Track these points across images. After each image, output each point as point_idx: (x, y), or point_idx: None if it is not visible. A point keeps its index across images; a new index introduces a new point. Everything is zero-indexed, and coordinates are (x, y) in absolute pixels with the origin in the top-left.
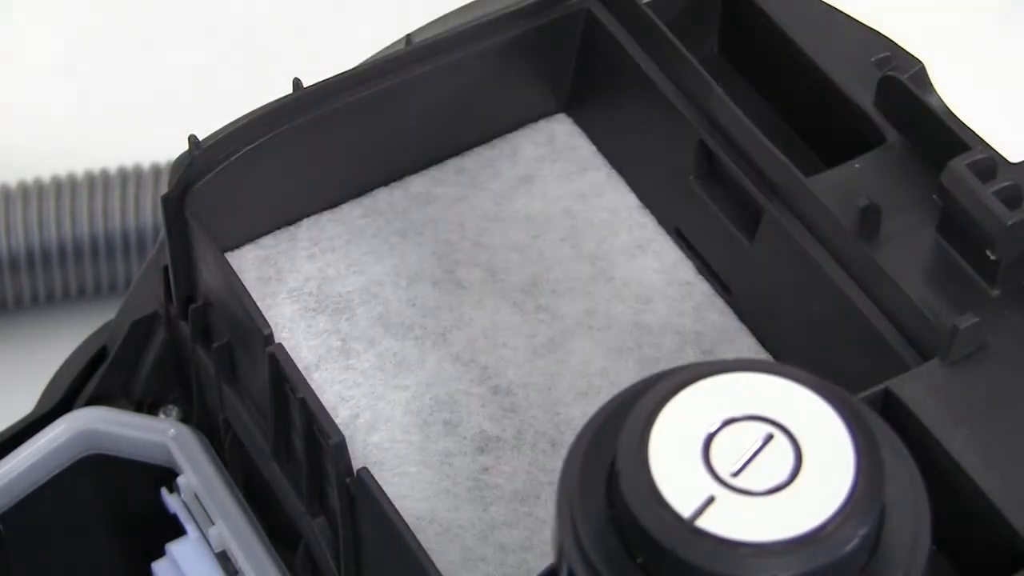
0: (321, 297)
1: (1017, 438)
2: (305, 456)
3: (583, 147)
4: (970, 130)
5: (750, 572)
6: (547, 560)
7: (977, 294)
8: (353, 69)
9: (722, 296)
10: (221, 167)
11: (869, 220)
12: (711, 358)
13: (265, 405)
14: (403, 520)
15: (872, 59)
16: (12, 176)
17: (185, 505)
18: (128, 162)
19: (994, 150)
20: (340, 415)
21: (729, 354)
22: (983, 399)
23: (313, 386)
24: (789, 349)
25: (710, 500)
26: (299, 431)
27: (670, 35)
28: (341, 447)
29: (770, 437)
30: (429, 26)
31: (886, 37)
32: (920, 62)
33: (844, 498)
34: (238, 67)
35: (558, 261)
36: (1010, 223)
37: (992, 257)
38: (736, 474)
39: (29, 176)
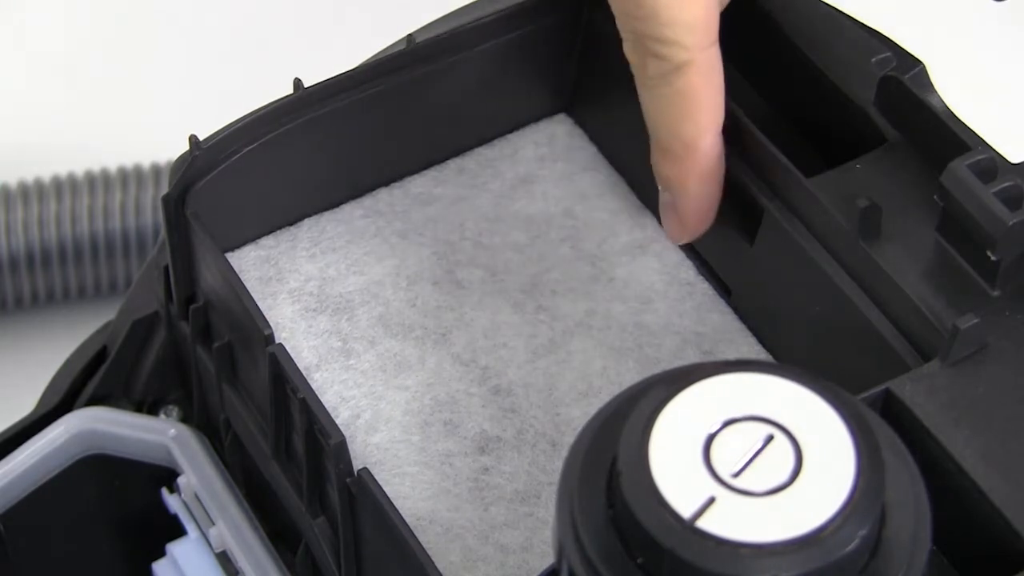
0: (322, 297)
1: (1017, 438)
2: (305, 456)
3: (583, 147)
4: (970, 130)
5: (750, 572)
6: (547, 560)
7: (977, 294)
8: (353, 69)
9: (723, 297)
10: (221, 167)
11: (869, 220)
12: (712, 358)
13: (265, 405)
14: (403, 520)
15: (872, 59)
16: (12, 176)
17: (185, 505)
18: (128, 162)
19: (994, 150)
20: (340, 415)
21: (729, 354)
22: (983, 399)
23: (314, 386)
24: (789, 349)
25: (710, 500)
26: (299, 431)
27: None
28: (341, 447)
29: (771, 438)
30: (429, 26)
31: (886, 37)
32: (920, 62)
33: (844, 499)
34: (238, 67)
35: (558, 261)
36: (1011, 223)
37: (992, 257)
38: (737, 475)
39: (29, 176)
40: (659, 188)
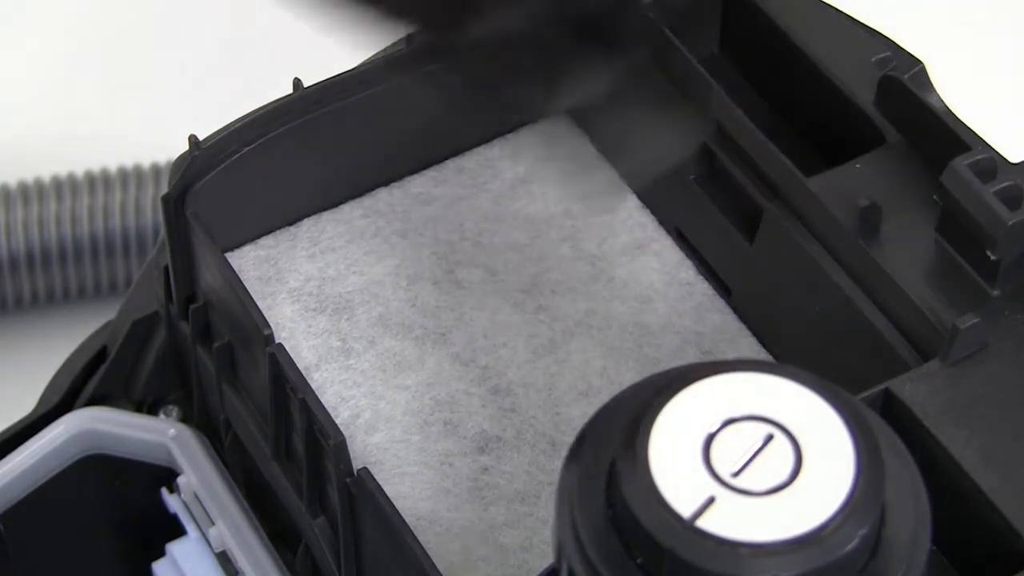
0: (321, 297)
1: (1017, 438)
2: (305, 456)
3: (583, 147)
4: (970, 130)
5: (750, 572)
6: (547, 560)
7: (977, 294)
8: (353, 69)
9: (722, 296)
10: (221, 167)
11: (869, 220)
12: (712, 358)
13: (265, 405)
14: (403, 520)
15: (872, 59)
16: (12, 176)
17: (185, 505)
18: (128, 162)
19: (994, 150)
20: (340, 415)
21: (729, 354)
22: (983, 399)
23: (313, 386)
24: (789, 349)
25: (710, 500)
26: (299, 431)
27: (670, 35)
28: (341, 447)
29: (770, 437)
30: None
31: (886, 37)
32: (920, 62)
33: (844, 498)
34: (238, 67)
35: (558, 261)
36: (1010, 223)
37: (992, 257)
38: (736, 474)
39: (29, 176)
40: None
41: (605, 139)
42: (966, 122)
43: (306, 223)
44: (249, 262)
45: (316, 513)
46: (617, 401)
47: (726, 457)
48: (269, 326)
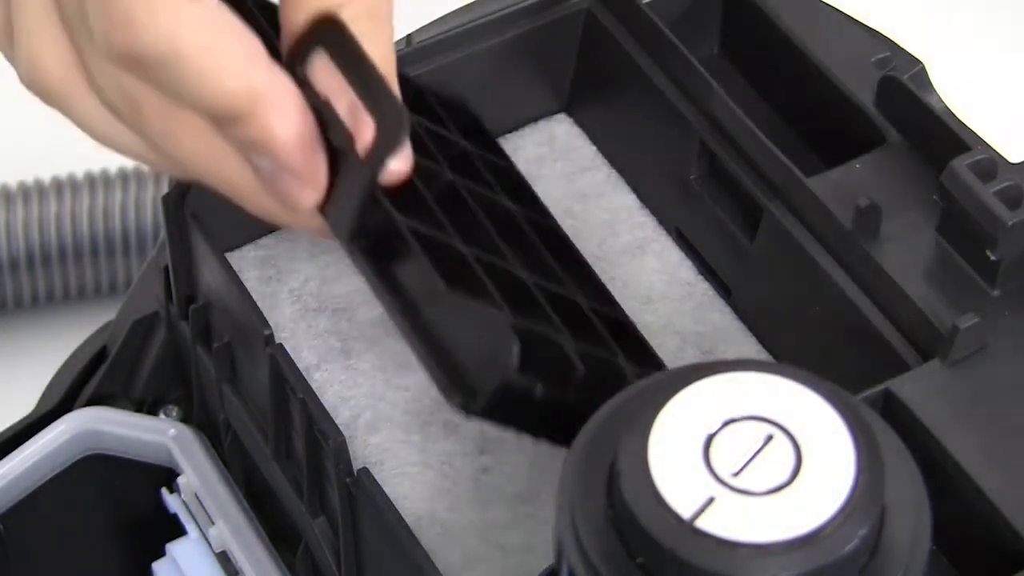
0: (321, 297)
1: (1017, 438)
2: (305, 456)
3: (583, 147)
4: (970, 130)
5: (750, 572)
6: (548, 561)
7: (977, 294)
8: None
9: (722, 296)
10: None
11: (869, 220)
12: (711, 358)
13: (265, 405)
14: (403, 520)
15: (872, 59)
16: (12, 176)
17: (185, 505)
18: (128, 162)
19: (994, 150)
20: (340, 415)
21: (729, 354)
22: (983, 399)
23: (313, 386)
24: (789, 349)
25: (710, 500)
26: (299, 431)
27: (670, 35)
28: (341, 447)
29: (770, 437)
30: (429, 26)
31: (886, 37)
32: (920, 62)
33: (844, 498)
34: None
35: None
36: (1010, 223)
37: (992, 257)
38: (736, 474)
39: (29, 176)
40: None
41: (605, 139)
42: (966, 122)
43: None
44: (249, 262)
45: (316, 513)
46: (617, 401)
47: (726, 457)
48: (269, 326)
